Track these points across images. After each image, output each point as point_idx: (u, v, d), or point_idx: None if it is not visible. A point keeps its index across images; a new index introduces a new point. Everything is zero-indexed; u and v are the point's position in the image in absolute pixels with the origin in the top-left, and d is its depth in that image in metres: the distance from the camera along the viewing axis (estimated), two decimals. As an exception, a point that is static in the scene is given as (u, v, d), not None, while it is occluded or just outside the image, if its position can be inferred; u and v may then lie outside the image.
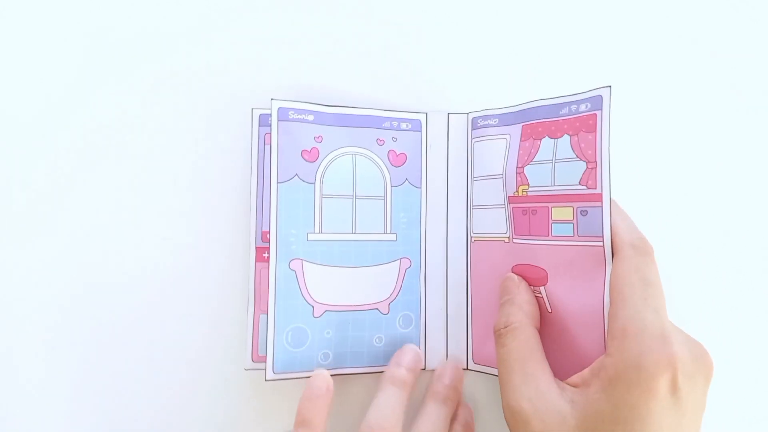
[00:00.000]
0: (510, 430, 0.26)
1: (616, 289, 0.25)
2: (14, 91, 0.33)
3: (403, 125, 0.33)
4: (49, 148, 0.33)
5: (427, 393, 0.31)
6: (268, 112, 0.32)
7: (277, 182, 0.30)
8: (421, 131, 0.33)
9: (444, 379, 0.31)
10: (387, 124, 0.32)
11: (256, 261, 0.32)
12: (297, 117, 0.31)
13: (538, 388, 0.25)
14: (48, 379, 0.32)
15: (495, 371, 0.31)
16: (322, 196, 0.31)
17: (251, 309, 0.32)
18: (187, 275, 0.33)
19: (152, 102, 0.33)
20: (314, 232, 0.31)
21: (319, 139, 0.31)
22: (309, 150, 0.31)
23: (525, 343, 0.27)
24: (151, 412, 0.32)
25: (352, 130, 0.32)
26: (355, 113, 0.32)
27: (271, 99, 0.31)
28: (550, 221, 0.29)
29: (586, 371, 0.25)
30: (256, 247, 0.32)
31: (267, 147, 0.32)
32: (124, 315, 0.33)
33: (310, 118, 0.31)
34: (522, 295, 0.29)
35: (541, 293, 0.29)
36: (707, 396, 0.25)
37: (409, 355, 0.31)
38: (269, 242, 0.30)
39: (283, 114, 0.31)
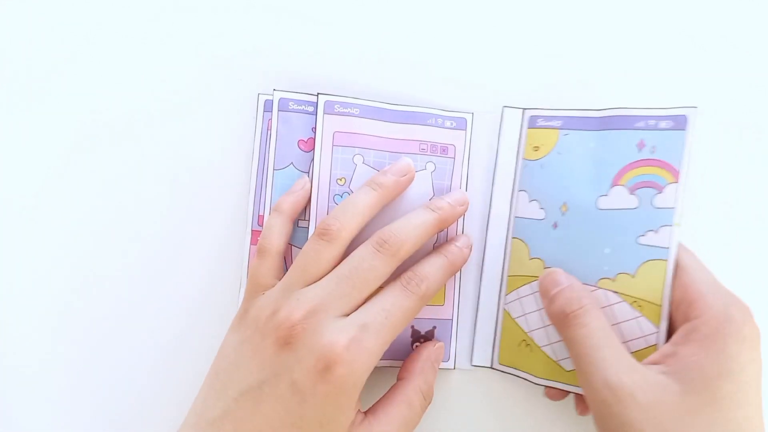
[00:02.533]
0: (600, 411, 0.26)
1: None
2: (15, 84, 0.35)
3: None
4: (63, 123, 0.35)
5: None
6: (272, 98, 0.33)
7: (273, 169, 0.32)
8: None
9: (446, 197, 0.31)
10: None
11: (251, 244, 0.34)
12: (297, 108, 0.32)
13: (630, 361, 0.26)
14: (45, 370, 0.34)
15: (521, 374, 0.32)
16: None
17: (242, 290, 0.33)
18: (186, 256, 0.34)
19: (163, 81, 0.35)
20: (304, 219, 0.32)
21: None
22: (306, 140, 0.32)
23: (605, 321, 0.28)
24: (142, 390, 0.34)
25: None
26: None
27: (274, 89, 0.32)
28: None
29: (665, 346, 0.26)
30: (251, 230, 0.34)
31: (269, 133, 0.34)
32: (118, 294, 0.34)
33: (310, 109, 0.32)
34: (576, 282, 0.29)
35: None
36: None
37: (399, 164, 0.31)
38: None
39: (283, 104, 0.32)
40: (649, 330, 0.28)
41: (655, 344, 0.28)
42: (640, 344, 0.28)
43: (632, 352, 0.28)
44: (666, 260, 0.28)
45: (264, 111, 0.34)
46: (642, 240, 0.28)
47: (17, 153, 0.35)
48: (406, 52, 0.35)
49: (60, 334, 0.34)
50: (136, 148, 0.35)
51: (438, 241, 0.32)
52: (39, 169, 0.35)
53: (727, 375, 0.24)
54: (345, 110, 0.31)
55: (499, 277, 0.33)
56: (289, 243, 0.31)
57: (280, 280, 0.29)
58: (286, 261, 0.32)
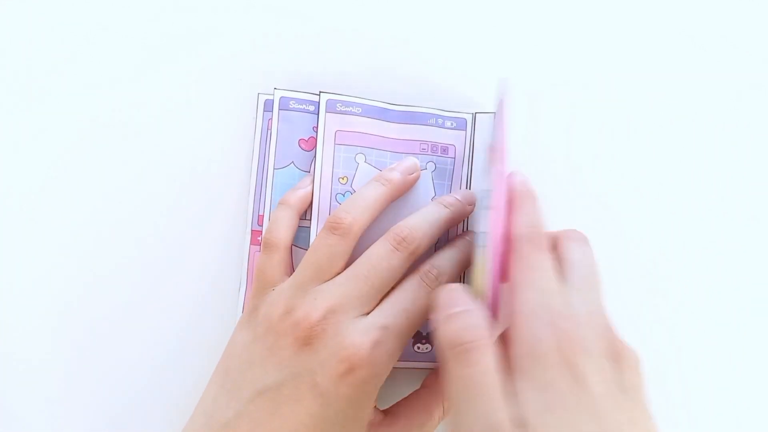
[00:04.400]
0: None
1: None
2: (15, 83, 0.35)
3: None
4: (63, 123, 0.35)
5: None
6: (272, 97, 0.33)
7: (274, 168, 0.32)
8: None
9: (454, 194, 0.31)
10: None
11: (251, 243, 0.33)
12: (297, 107, 0.32)
13: (495, 418, 0.22)
14: (45, 370, 0.34)
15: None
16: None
17: (242, 290, 0.33)
18: (186, 256, 0.34)
19: (163, 81, 0.35)
20: (305, 219, 0.31)
21: (317, 129, 0.32)
22: (306, 139, 0.32)
23: (493, 362, 0.23)
24: (142, 391, 0.34)
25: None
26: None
27: (275, 88, 0.32)
28: None
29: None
30: (251, 230, 0.33)
31: (269, 132, 0.33)
32: (117, 294, 0.34)
33: (311, 108, 0.32)
34: (480, 308, 0.24)
35: None
36: (641, 387, 0.23)
37: (407, 162, 0.31)
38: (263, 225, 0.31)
39: (284, 103, 0.32)
40: None
41: None
42: None
43: None
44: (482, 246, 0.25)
45: (264, 110, 0.34)
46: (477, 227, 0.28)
47: (17, 153, 0.35)
48: (406, 51, 0.35)
49: (60, 333, 0.34)
50: (136, 148, 0.35)
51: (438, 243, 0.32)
52: (39, 169, 0.34)
53: (546, 409, 0.20)
54: (347, 109, 0.31)
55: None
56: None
57: (288, 275, 0.29)
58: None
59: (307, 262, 0.28)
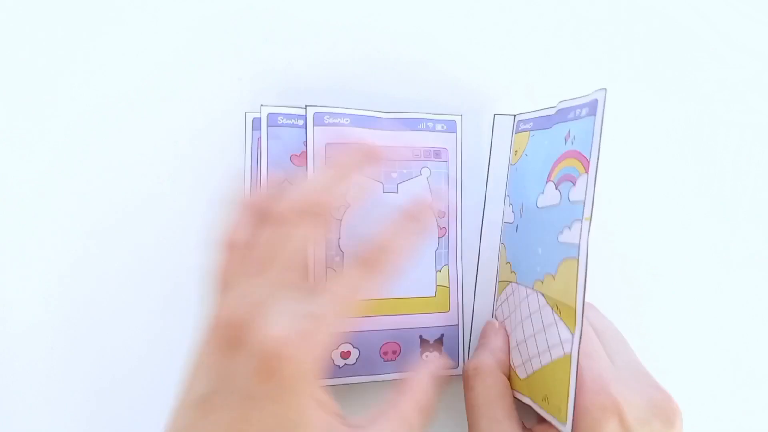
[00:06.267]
0: None
1: None
2: (13, 81, 0.34)
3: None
4: (57, 127, 0.34)
5: None
6: (259, 115, 0.33)
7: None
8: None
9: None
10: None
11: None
12: (286, 122, 0.31)
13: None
14: (40, 367, 0.33)
15: None
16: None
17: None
18: (176, 273, 0.34)
19: (152, 99, 0.34)
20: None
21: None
22: (299, 155, 0.31)
23: (493, 387, 0.27)
24: (140, 391, 0.33)
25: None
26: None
27: (261, 105, 0.31)
28: None
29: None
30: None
31: (260, 150, 0.33)
32: (115, 297, 0.34)
33: (300, 122, 0.32)
34: (497, 342, 0.29)
35: None
36: None
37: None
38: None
39: (272, 119, 0.31)
40: (565, 336, 0.25)
41: (570, 353, 0.25)
42: (559, 353, 0.25)
43: (554, 361, 0.26)
44: (577, 258, 0.24)
45: (253, 129, 0.33)
46: (561, 238, 0.26)
47: (16, 153, 0.34)
48: (392, 58, 0.35)
49: (58, 332, 0.33)
50: (127, 168, 0.34)
51: (440, 247, 0.32)
52: (38, 172, 0.34)
53: None
54: (335, 121, 0.31)
55: (493, 283, 0.33)
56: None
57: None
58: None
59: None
